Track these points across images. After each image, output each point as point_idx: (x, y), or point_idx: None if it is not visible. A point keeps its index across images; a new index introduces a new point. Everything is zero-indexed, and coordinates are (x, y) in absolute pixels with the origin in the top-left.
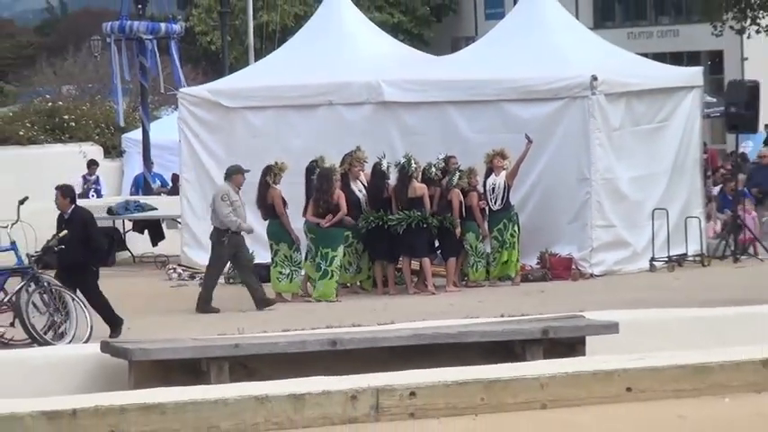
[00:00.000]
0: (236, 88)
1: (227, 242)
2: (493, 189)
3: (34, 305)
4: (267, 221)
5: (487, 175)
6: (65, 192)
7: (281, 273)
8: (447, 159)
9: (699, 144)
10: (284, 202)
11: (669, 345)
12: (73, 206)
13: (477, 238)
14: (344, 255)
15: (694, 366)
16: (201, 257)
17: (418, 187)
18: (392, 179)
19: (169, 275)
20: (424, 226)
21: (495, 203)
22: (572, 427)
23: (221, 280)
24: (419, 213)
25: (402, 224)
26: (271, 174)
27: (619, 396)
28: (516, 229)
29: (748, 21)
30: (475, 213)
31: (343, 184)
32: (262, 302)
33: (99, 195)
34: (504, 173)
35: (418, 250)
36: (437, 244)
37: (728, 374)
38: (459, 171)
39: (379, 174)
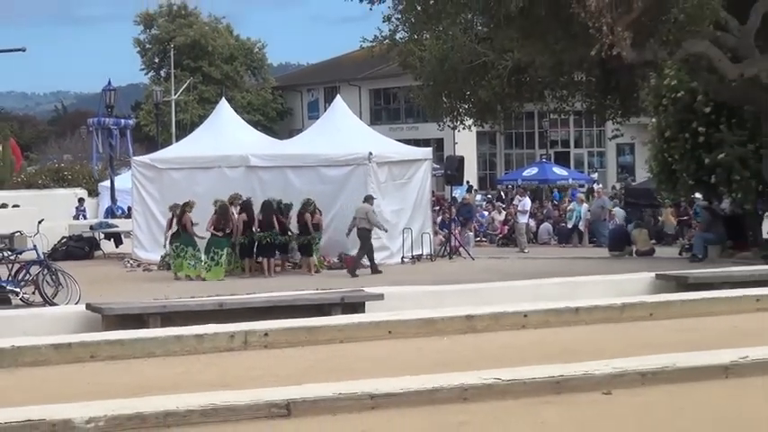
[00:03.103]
0: (165, 157)
1: (371, 236)
2: None
3: (46, 282)
4: (181, 234)
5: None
6: None
7: (188, 264)
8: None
9: (429, 191)
10: (192, 224)
11: (413, 307)
12: None
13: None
14: (227, 253)
15: (426, 319)
16: (145, 255)
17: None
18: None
19: (125, 265)
20: (272, 241)
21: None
22: (357, 353)
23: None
24: (269, 233)
25: (261, 239)
26: (188, 206)
27: (384, 336)
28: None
29: (458, 122)
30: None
31: (229, 214)
32: (375, 271)
33: (85, 218)
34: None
35: (269, 252)
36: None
37: (446, 324)
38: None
39: (249, 209)
